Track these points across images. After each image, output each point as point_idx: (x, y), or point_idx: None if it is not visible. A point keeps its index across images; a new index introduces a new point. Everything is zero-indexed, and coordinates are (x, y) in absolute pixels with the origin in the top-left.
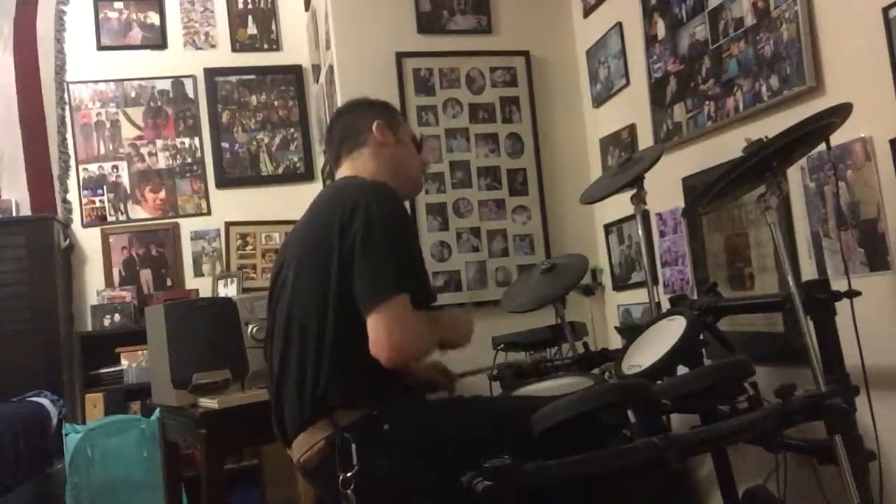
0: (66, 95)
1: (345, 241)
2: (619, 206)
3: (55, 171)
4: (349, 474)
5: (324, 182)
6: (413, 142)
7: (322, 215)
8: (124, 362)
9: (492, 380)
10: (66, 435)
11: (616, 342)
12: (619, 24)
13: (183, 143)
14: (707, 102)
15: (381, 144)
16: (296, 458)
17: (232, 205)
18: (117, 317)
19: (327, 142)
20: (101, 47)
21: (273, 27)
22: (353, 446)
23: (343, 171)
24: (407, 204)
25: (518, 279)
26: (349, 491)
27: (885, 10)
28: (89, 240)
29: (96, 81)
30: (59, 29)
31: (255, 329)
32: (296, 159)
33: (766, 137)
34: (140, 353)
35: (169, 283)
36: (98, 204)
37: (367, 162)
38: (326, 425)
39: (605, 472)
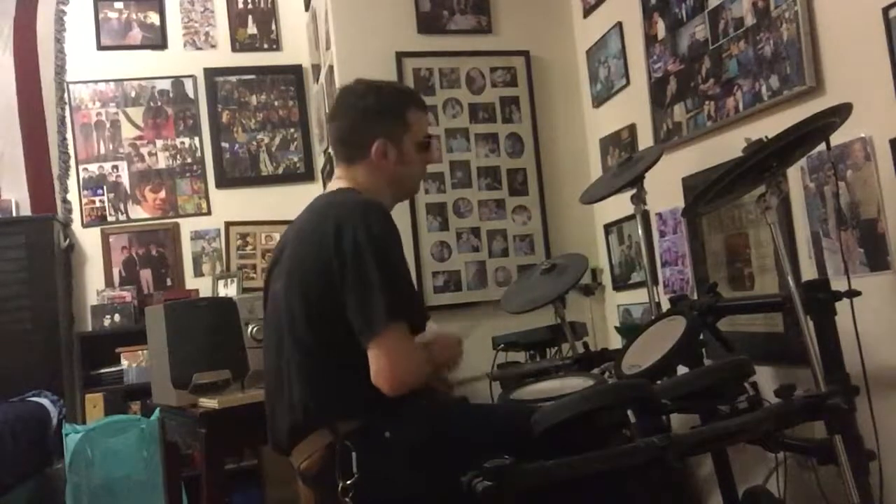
0: (66, 95)
1: (333, 263)
2: (619, 206)
3: (55, 171)
4: (349, 482)
5: (324, 182)
6: (421, 143)
7: (311, 233)
8: (124, 362)
9: (492, 380)
10: (66, 435)
11: (616, 342)
12: (619, 24)
13: (183, 143)
14: (707, 102)
15: (379, 165)
16: (296, 464)
17: (232, 205)
18: (117, 317)
19: (328, 128)
20: (101, 47)
21: (273, 27)
22: (354, 454)
23: (337, 179)
24: (406, 204)
25: (518, 279)
26: (348, 498)
27: (885, 10)
28: (89, 240)
29: (96, 81)
30: (59, 29)
31: (255, 329)
32: (296, 159)
33: (766, 137)
34: (140, 353)
35: (169, 283)
36: (98, 204)
37: (363, 175)
38: (327, 433)
39: (605, 472)
